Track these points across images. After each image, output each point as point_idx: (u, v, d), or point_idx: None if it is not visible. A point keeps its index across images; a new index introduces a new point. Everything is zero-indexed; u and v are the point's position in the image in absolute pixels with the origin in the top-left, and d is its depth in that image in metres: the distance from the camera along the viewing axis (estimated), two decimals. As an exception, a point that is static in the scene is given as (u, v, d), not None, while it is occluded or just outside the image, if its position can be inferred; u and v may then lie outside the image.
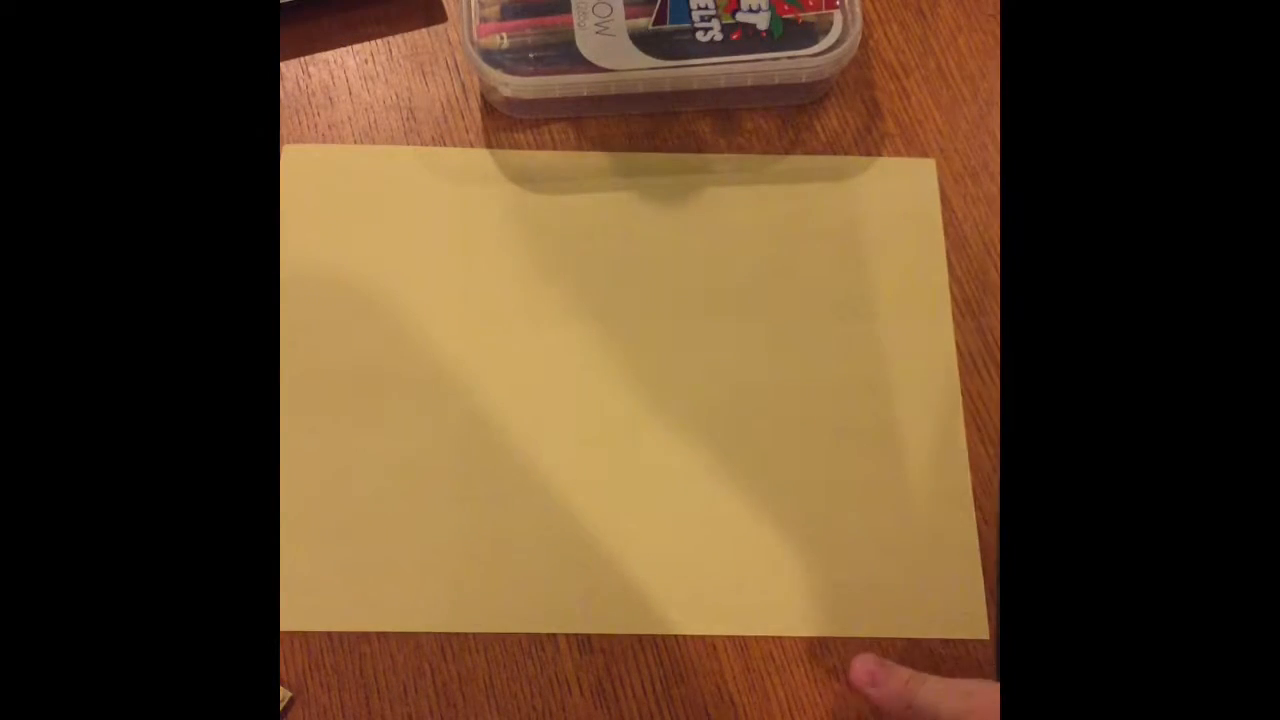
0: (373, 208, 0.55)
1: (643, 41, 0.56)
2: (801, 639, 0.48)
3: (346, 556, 0.48)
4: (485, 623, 0.47)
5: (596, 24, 0.56)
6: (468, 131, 0.57)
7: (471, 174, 0.55)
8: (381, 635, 0.47)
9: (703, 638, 0.47)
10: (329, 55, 0.58)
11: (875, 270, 0.54)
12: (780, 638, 0.47)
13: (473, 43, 0.54)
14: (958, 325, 0.53)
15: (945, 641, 0.48)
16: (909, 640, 0.48)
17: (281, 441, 0.49)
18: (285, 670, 0.46)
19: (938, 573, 0.49)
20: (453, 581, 0.48)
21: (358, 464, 0.50)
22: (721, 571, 0.49)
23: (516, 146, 0.56)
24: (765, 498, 0.50)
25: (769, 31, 0.56)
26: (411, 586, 0.48)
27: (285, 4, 0.57)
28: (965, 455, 0.51)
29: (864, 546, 0.49)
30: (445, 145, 0.56)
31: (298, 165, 0.55)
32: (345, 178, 0.55)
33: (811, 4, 0.57)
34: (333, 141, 0.56)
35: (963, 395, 0.52)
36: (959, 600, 0.49)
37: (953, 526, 0.50)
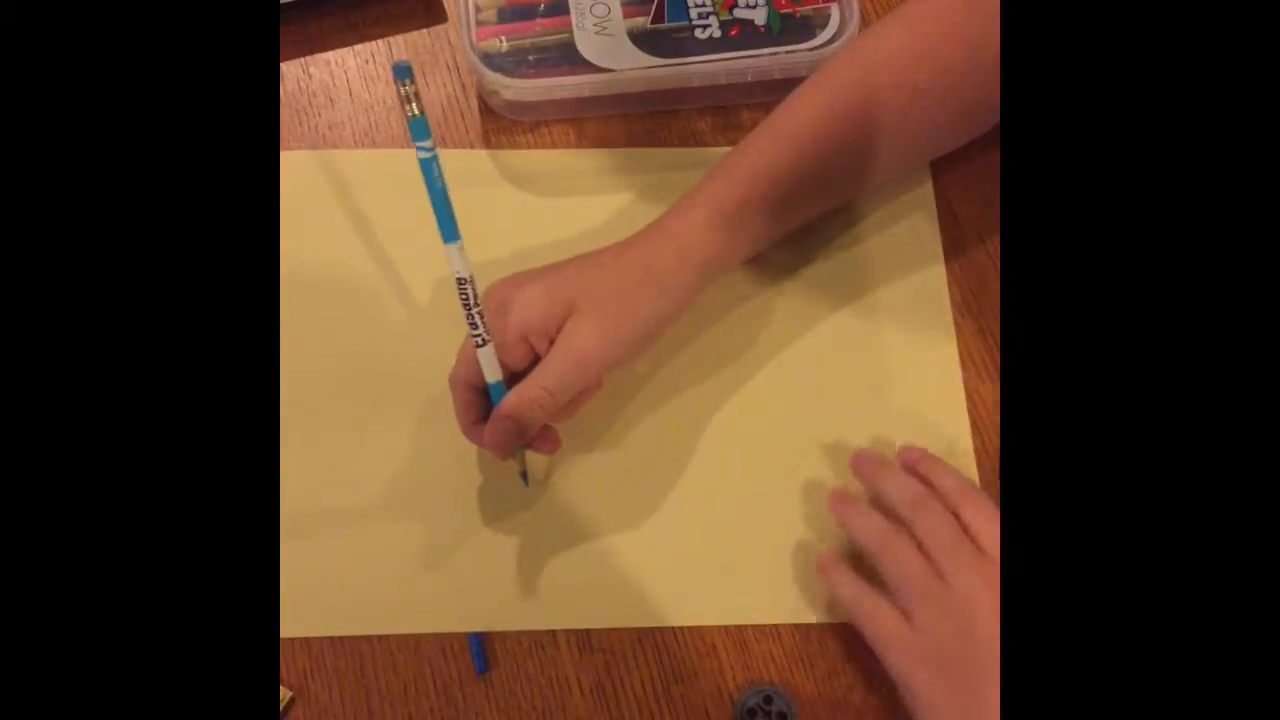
0: (373, 211, 0.55)
1: (641, 40, 0.56)
2: (799, 638, 0.48)
3: (346, 558, 0.48)
4: (484, 622, 0.47)
5: (595, 24, 0.56)
6: (468, 132, 0.57)
7: (471, 175, 0.55)
8: (381, 636, 0.47)
9: (702, 636, 0.47)
10: (329, 55, 0.58)
11: (873, 261, 0.54)
12: (779, 638, 0.47)
13: (472, 47, 0.54)
14: (958, 326, 0.53)
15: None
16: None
17: (281, 443, 0.49)
18: (285, 670, 0.46)
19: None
20: (454, 581, 0.48)
21: (357, 466, 0.50)
22: (721, 565, 0.49)
23: (516, 147, 0.56)
24: (764, 492, 0.50)
25: (767, 26, 0.56)
26: (412, 588, 0.48)
27: (285, 4, 0.57)
28: (970, 454, 0.51)
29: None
30: (445, 145, 0.56)
31: (297, 171, 0.55)
32: (344, 182, 0.55)
33: (809, -1, 0.57)
34: (333, 142, 0.56)
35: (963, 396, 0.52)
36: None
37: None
